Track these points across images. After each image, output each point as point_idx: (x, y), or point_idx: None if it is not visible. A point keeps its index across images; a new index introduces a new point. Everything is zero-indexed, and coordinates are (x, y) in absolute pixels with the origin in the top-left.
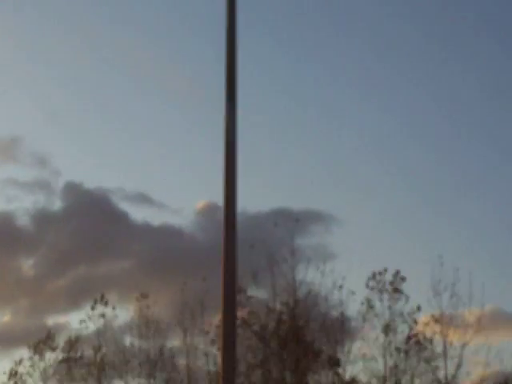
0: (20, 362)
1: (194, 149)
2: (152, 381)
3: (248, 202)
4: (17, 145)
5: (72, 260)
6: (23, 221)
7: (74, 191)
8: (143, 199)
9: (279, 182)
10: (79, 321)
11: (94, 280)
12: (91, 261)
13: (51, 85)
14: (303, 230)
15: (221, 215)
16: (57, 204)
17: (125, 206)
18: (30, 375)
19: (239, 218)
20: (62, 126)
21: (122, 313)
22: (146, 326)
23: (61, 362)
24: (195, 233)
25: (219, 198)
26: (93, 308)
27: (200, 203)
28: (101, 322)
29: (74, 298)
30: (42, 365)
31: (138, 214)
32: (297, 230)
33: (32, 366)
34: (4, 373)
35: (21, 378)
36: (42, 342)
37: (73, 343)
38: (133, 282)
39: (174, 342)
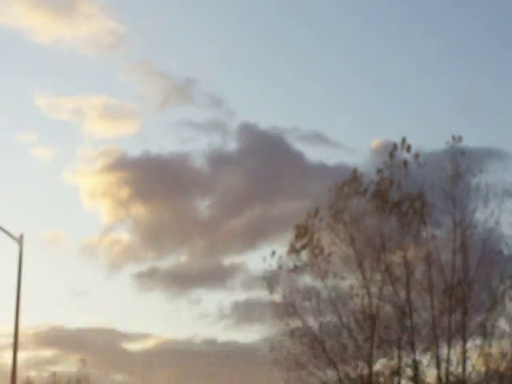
0: (315, 213)
1: (367, 87)
2: None
3: (424, 140)
4: (192, 86)
5: (247, 200)
6: (199, 162)
7: (249, 131)
8: (318, 138)
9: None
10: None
11: (269, 220)
12: (266, 201)
13: (227, 26)
14: (480, 167)
15: (398, 153)
16: (232, 145)
17: (300, 146)
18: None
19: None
20: (237, 66)
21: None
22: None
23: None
24: (371, 171)
25: (395, 136)
26: (391, 155)
27: (375, 141)
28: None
29: (249, 239)
30: (345, 216)
31: (313, 153)
32: (473, 167)
33: (334, 216)
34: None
35: (311, 236)
36: (347, 183)
37: (386, 184)
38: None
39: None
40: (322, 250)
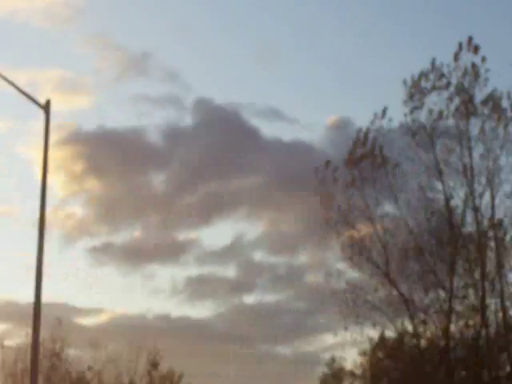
0: (382, 113)
1: (323, 63)
2: None
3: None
4: (148, 60)
5: (202, 176)
6: (154, 137)
7: (204, 106)
8: (274, 114)
9: None
10: None
11: (224, 196)
12: (222, 177)
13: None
14: None
15: (353, 131)
16: (187, 120)
17: (256, 122)
18: None
19: None
20: (193, 40)
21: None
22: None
23: None
24: (326, 148)
25: (351, 113)
26: (455, 58)
27: (331, 118)
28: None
29: (204, 214)
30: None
31: (269, 129)
32: None
33: (410, 113)
34: None
35: (373, 144)
36: (424, 75)
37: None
38: (263, 198)
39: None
40: (385, 160)
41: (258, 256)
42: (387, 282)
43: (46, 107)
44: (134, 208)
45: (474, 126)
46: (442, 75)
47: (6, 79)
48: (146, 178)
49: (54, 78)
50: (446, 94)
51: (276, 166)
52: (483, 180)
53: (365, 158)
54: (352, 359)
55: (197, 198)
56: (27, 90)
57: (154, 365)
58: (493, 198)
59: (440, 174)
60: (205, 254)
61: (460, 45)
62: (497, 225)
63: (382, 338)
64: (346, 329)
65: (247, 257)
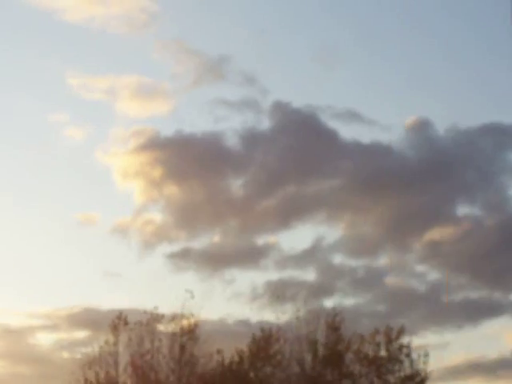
0: None
1: (402, 64)
2: None
3: (459, 117)
4: (225, 64)
5: (281, 179)
6: (232, 141)
7: (282, 110)
8: (352, 116)
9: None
10: None
11: (303, 199)
12: (300, 180)
13: (260, 2)
14: None
15: (432, 131)
16: (265, 123)
17: (334, 124)
18: None
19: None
20: (271, 43)
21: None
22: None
23: None
24: (405, 149)
25: (429, 113)
26: None
27: (410, 119)
28: None
29: (283, 218)
30: None
31: (348, 131)
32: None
33: None
34: None
35: None
36: None
37: None
38: (342, 201)
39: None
40: None
41: (338, 259)
42: None
43: None
44: (213, 213)
45: None
46: None
47: None
48: (224, 183)
49: (131, 85)
50: None
51: (355, 168)
52: None
53: None
54: None
55: (275, 202)
56: (106, 96)
57: None
58: None
59: None
60: (284, 258)
61: None
62: None
63: None
64: None
65: (327, 260)
